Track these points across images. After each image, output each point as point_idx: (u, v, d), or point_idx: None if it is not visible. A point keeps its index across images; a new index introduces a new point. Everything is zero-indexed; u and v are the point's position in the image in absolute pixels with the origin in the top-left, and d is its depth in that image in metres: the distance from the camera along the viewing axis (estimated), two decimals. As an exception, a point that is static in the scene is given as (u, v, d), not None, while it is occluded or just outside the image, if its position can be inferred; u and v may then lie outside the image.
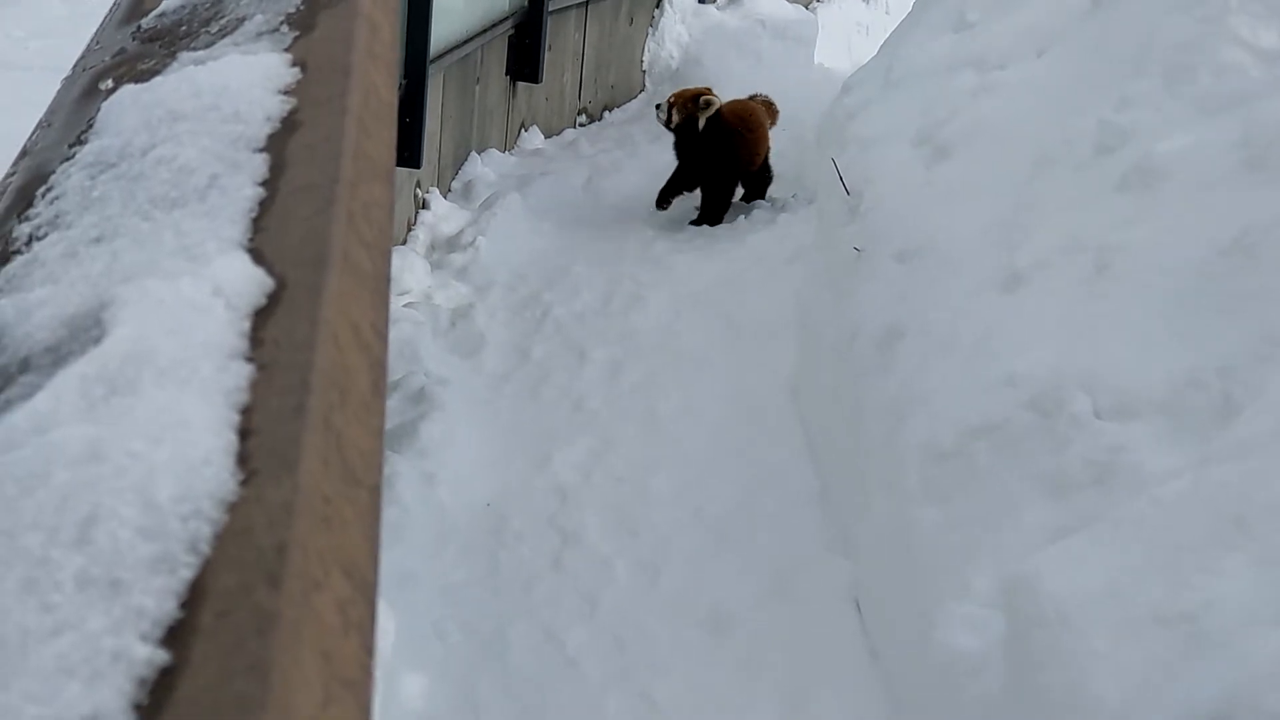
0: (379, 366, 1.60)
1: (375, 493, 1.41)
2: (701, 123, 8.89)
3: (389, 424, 4.88)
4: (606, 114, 11.19)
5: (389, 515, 4.79)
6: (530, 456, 6.01)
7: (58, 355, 1.54)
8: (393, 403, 5.76)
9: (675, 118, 8.95)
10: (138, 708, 1.08)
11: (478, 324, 6.84)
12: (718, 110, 8.96)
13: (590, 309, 7.01)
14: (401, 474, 5.66)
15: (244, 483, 1.28)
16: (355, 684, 1.18)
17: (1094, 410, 4.44)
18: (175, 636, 1.14)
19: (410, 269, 7.19)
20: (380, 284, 1.75)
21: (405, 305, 6.76)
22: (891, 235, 5.64)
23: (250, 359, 1.46)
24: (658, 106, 9.16)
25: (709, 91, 9.11)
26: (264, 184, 1.83)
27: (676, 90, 9.44)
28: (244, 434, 1.35)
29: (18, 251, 1.84)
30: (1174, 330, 4.41)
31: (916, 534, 4.66)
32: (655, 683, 4.91)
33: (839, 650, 4.97)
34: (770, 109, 9.67)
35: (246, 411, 1.38)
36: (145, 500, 1.25)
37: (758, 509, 5.68)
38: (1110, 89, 5.36)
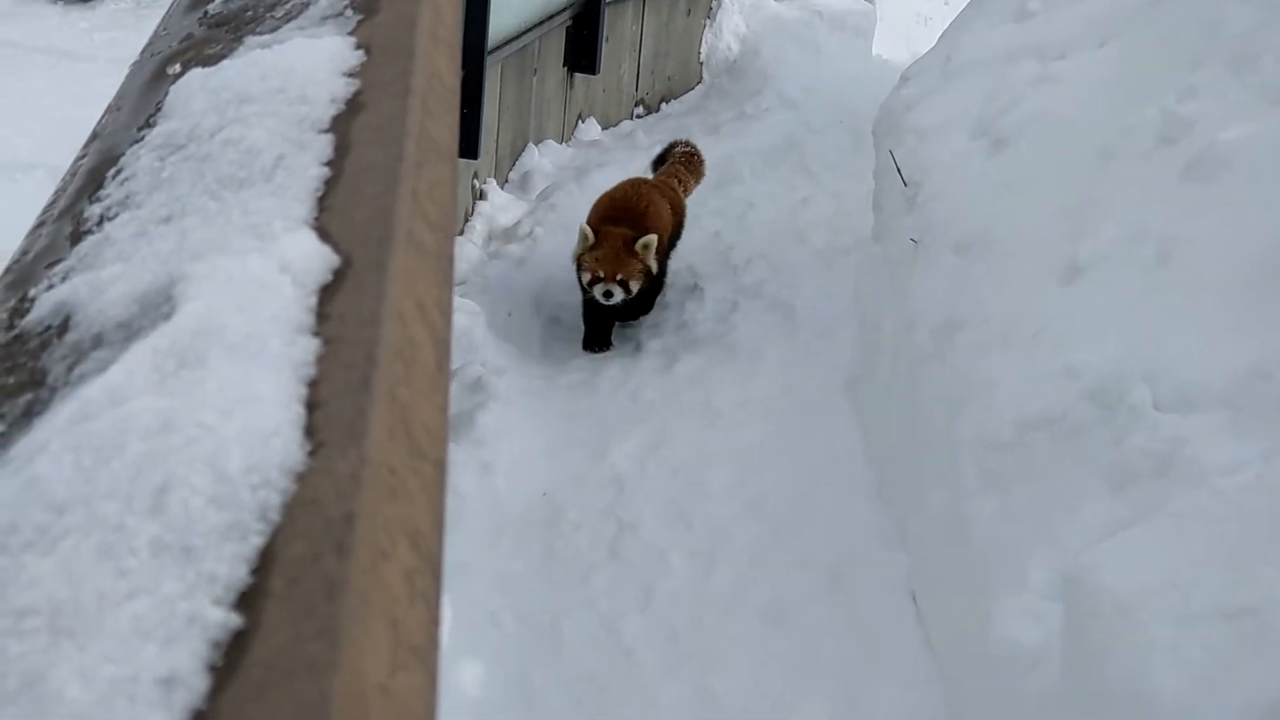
0: (443, 344, 1.62)
1: (440, 467, 1.42)
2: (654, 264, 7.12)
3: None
4: (664, 105, 11.19)
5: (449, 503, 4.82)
6: (586, 447, 6.02)
7: (129, 331, 1.56)
8: (450, 392, 5.79)
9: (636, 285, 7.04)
10: (212, 669, 1.09)
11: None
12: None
13: (648, 300, 7.04)
14: (458, 463, 5.69)
15: (312, 454, 1.30)
16: (422, 652, 1.19)
17: (1154, 402, 4.42)
18: (247, 601, 1.15)
19: (467, 259, 7.22)
20: (444, 263, 1.76)
21: (462, 295, 6.79)
22: (949, 226, 5.62)
23: (317, 334, 1.48)
24: (607, 290, 7.00)
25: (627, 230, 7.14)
26: (329, 164, 1.85)
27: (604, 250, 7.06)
28: (311, 407, 1.36)
29: (89, 231, 1.87)
30: (1237, 322, 4.37)
31: (973, 526, 4.65)
32: (710, 674, 4.91)
33: (894, 643, 4.96)
34: (690, 165, 8.20)
35: (314, 385, 1.40)
36: (216, 470, 1.27)
37: (813, 502, 5.68)
38: (1173, 78, 5.32)
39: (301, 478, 1.27)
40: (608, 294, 6.91)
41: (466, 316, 6.45)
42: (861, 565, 5.29)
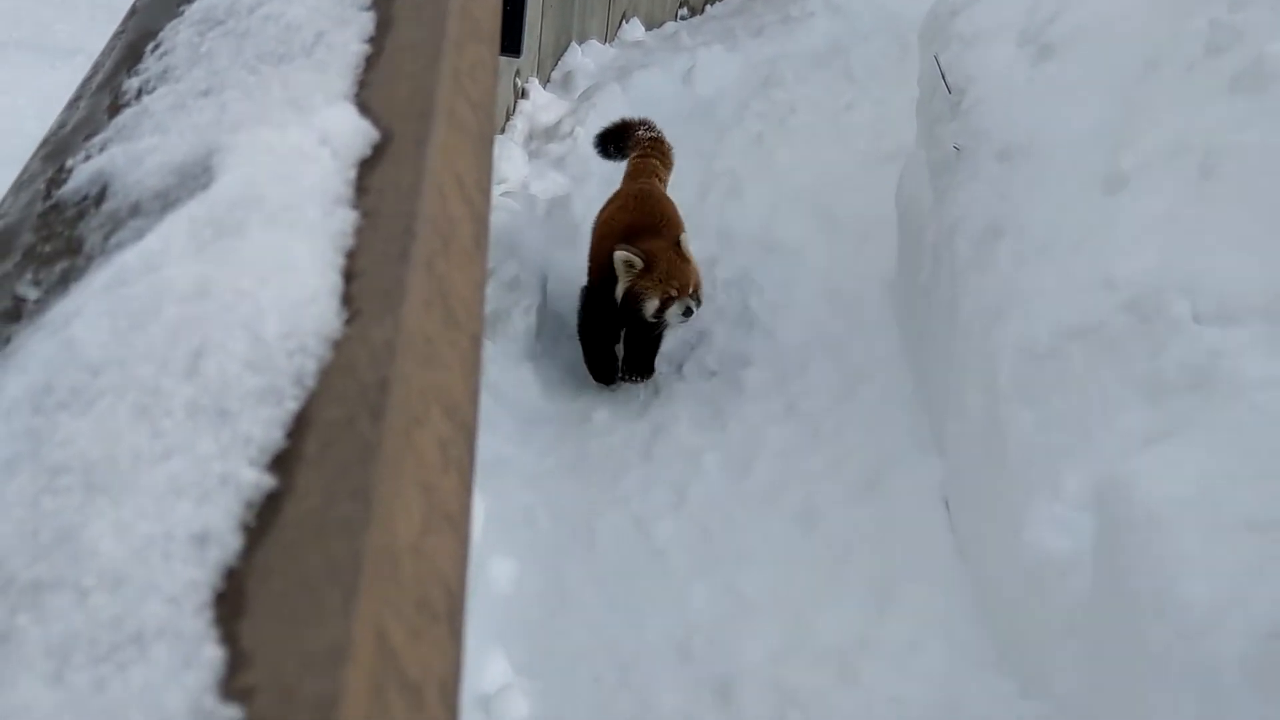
0: (481, 221, 1.61)
1: (476, 340, 1.42)
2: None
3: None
4: (708, 7, 11.08)
5: (481, 402, 4.84)
6: (621, 349, 6.03)
7: (166, 200, 1.56)
8: (487, 290, 5.79)
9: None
10: (246, 528, 1.10)
11: (574, 214, 6.84)
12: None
13: (686, 202, 6.98)
14: (493, 359, 5.71)
15: (348, 322, 1.30)
16: (454, 519, 1.20)
17: (1193, 314, 4.39)
18: (281, 463, 1.16)
19: (508, 158, 7.20)
20: (484, 142, 1.76)
21: (503, 194, 6.78)
22: (993, 134, 5.57)
23: (356, 206, 1.48)
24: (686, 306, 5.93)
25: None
26: (370, 41, 1.84)
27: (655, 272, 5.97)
28: (349, 276, 1.37)
29: (127, 104, 1.87)
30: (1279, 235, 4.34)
31: (1009, 434, 4.65)
32: (742, 575, 4.93)
33: (927, 548, 4.97)
34: (661, 153, 6.88)
35: (352, 255, 1.40)
36: (253, 335, 1.27)
37: (850, 405, 5.68)
38: (1223, -12, 5.25)
39: (337, 345, 1.28)
40: (688, 311, 5.88)
41: (506, 215, 6.43)
42: (897, 470, 5.30)
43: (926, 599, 4.75)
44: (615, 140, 6.98)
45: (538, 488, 5.40)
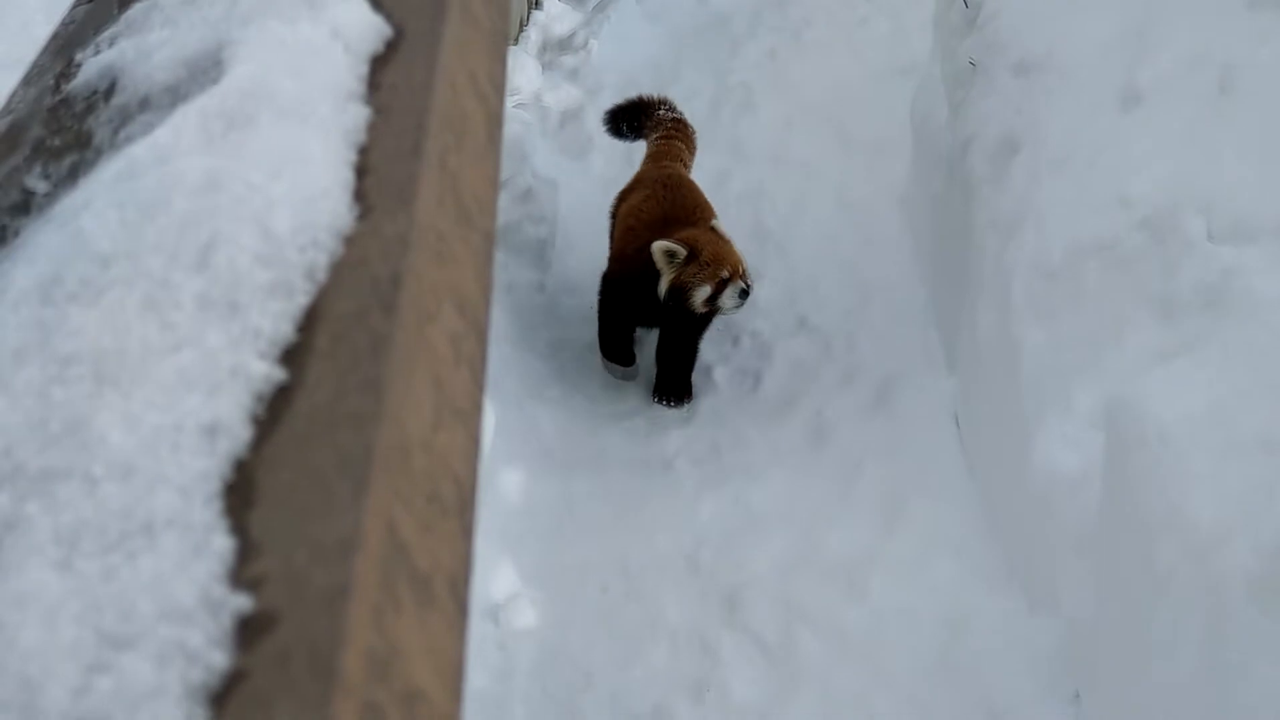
0: (495, 119, 1.60)
1: (488, 237, 1.41)
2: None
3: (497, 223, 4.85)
4: (722, -79, 10.97)
5: (494, 315, 4.82)
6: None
7: (176, 94, 1.54)
8: (500, 202, 5.76)
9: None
10: (256, 420, 1.10)
11: (587, 126, 6.81)
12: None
13: (699, 115, 6.94)
14: (507, 268, 5.69)
15: (360, 217, 1.29)
16: (465, 414, 1.19)
17: (1208, 233, 4.36)
18: (292, 357, 1.15)
19: (521, 69, 7.15)
20: (498, 40, 1.74)
21: (515, 105, 6.73)
22: (1009, 48, 5.52)
23: (368, 102, 1.46)
24: (742, 288, 5.38)
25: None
26: (383, -64, 1.81)
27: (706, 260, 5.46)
28: (361, 172, 1.35)
29: (138, -1, 1.84)
30: (1296, 153, 4.31)
31: (1020, 351, 4.63)
32: (751, 488, 4.95)
33: (937, 464, 4.98)
34: (684, 135, 6.32)
35: (364, 151, 1.39)
36: (263, 229, 1.26)
37: (862, 320, 5.67)
38: (1246, -100, 5.18)
39: (349, 240, 1.27)
40: (744, 292, 5.34)
41: (519, 126, 6.40)
42: (907, 386, 5.29)
43: (935, 515, 4.76)
44: (629, 119, 6.40)
45: (543, 396, 5.40)
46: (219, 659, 0.94)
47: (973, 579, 4.51)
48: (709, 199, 5.73)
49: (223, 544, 1.00)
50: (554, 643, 4.46)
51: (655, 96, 6.37)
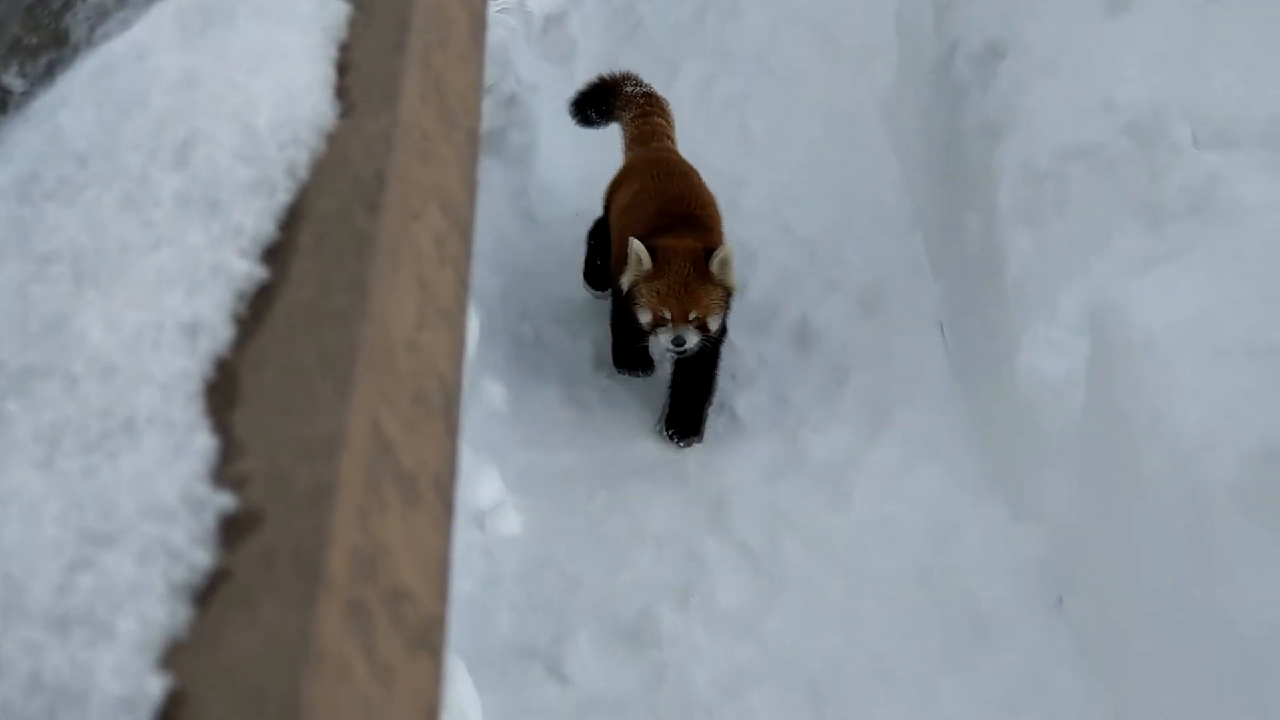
0: (478, 18, 1.58)
1: (473, 136, 1.39)
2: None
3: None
4: None
5: (482, 226, 4.76)
6: (618, 166, 5.96)
7: (154, -9, 1.52)
8: (482, 107, 5.69)
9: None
10: (237, 318, 1.08)
11: (570, 31, 6.73)
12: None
13: (684, 22, 6.86)
14: (490, 181, 5.65)
15: (343, 115, 1.27)
16: (450, 314, 1.18)
17: (1193, 139, 4.35)
18: (274, 255, 1.14)
19: (504, -27, 7.07)
20: (481, -62, 1.71)
21: (499, 10, 6.66)
22: (997, -48, 5.47)
23: (349, -2, 1.44)
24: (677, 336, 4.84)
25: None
26: None
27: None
28: (343, 69, 1.33)
29: (113, -104, 1.81)
30: (1282, 60, 4.29)
31: (1006, 257, 4.62)
32: (736, 396, 4.95)
33: (922, 371, 4.98)
34: (662, 109, 5.82)
35: (345, 48, 1.36)
36: (243, 126, 1.24)
37: (847, 227, 5.65)
38: None
39: (331, 138, 1.25)
40: (679, 341, 4.81)
41: (503, 31, 6.33)
42: (892, 293, 5.28)
43: (920, 422, 4.77)
44: (596, 102, 5.88)
45: (525, 305, 5.38)
46: (202, 557, 0.93)
47: (957, 486, 4.53)
48: (695, 108, 5.68)
49: (205, 443, 0.99)
50: (539, 550, 4.47)
51: (618, 74, 5.87)
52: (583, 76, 6.22)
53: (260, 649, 0.88)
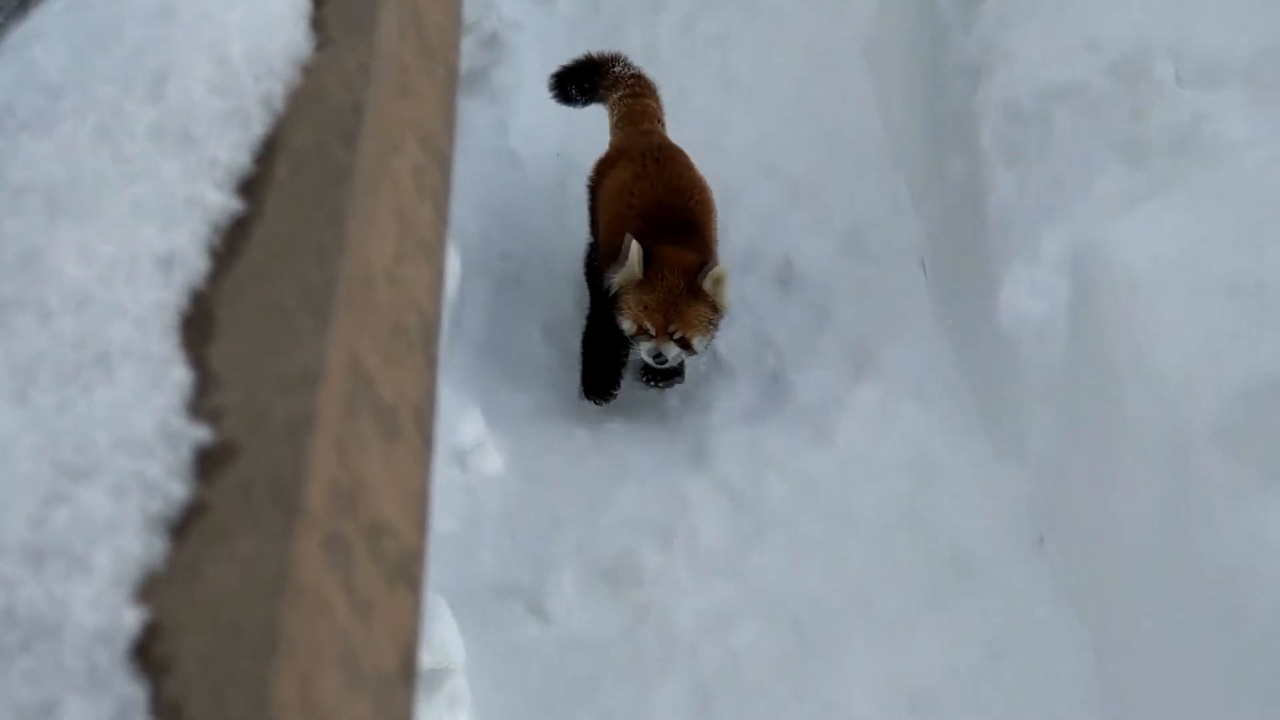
0: (457, -50, 1.56)
1: (451, 70, 1.38)
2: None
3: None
4: None
5: (461, 164, 4.73)
6: (600, 108, 5.94)
7: (128, -78, 1.50)
8: (464, 46, 5.65)
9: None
10: (213, 251, 1.07)
11: (553, -31, 6.69)
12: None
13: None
14: (471, 119, 5.62)
15: (319, 47, 1.26)
16: (429, 247, 1.17)
17: (1176, 77, 4.34)
18: (250, 188, 1.13)
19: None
20: None
21: (478, -51, 6.61)
22: (980, -113, 5.43)
23: (325, -71, 1.42)
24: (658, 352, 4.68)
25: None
26: None
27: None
28: (319, 0, 1.32)
29: None
30: (1265, -2, 4.28)
31: (988, 197, 4.62)
32: (720, 334, 4.92)
33: (904, 310, 4.98)
34: (652, 93, 5.55)
35: (322, -21, 1.35)
36: (218, 57, 1.23)
37: (830, 167, 5.63)
38: None
39: (308, 70, 1.23)
40: (660, 357, 4.66)
41: (482, -31, 6.29)
42: (875, 232, 5.27)
43: (902, 361, 4.77)
44: (579, 80, 5.64)
45: (517, 242, 5.36)
46: (178, 490, 0.92)
47: (939, 425, 4.54)
48: (677, 47, 5.62)
49: (181, 376, 0.98)
50: (520, 489, 4.47)
51: (607, 53, 5.61)
52: (566, 14, 6.19)
53: (238, 582, 0.87)
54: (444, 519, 4.16)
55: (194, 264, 1.07)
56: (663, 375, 4.82)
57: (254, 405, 0.95)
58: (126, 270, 1.05)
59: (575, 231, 5.25)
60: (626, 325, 4.67)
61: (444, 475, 4.17)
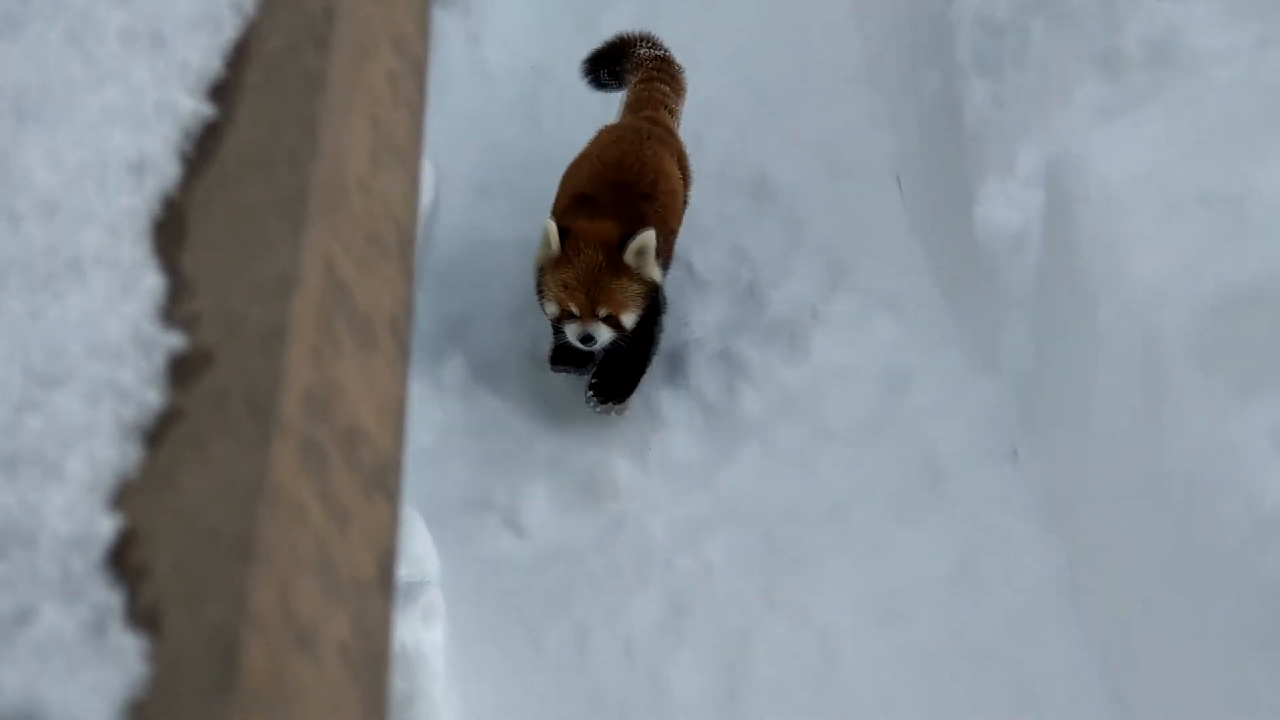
0: None
1: (425, -26, 1.36)
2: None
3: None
4: None
5: (433, 76, 4.69)
6: (575, 20, 5.87)
7: None
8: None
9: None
10: (185, 157, 1.06)
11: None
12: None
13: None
14: (445, 31, 5.57)
15: (290, -50, 1.24)
16: (404, 155, 1.16)
17: (1153, -11, 4.32)
18: (222, 94, 1.11)
19: None
20: None
21: None
22: None
23: None
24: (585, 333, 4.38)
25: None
26: None
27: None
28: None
29: None
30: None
31: (964, 110, 4.59)
32: (693, 251, 4.91)
33: (879, 223, 4.96)
34: (670, 76, 5.22)
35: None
36: (189, -40, 1.21)
37: (805, 81, 5.59)
38: None
39: (278, -27, 1.22)
40: (587, 339, 4.37)
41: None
42: (850, 145, 5.24)
43: (877, 274, 4.76)
44: (609, 63, 5.31)
45: (492, 159, 5.33)
46: (152, 397, 0.91)
47: (913, 338, 4.54)
48: None
49: (153, 282, 0.97)
50: (493, 404, 4.47)
51: (634, 33, 5.28)
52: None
53: (213, 489, 0.87)
54: (420, 433, 4.15)
55: (165, 170, 1.05)
56: (604, 395, 4.48)
57: (228, 312, 0.94)
58: (97, 176, 1.04)
59: (549, 144, 5.21)
60: (550, 309, 4.41)
61: (417, 389, 4.16)
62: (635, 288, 4.35)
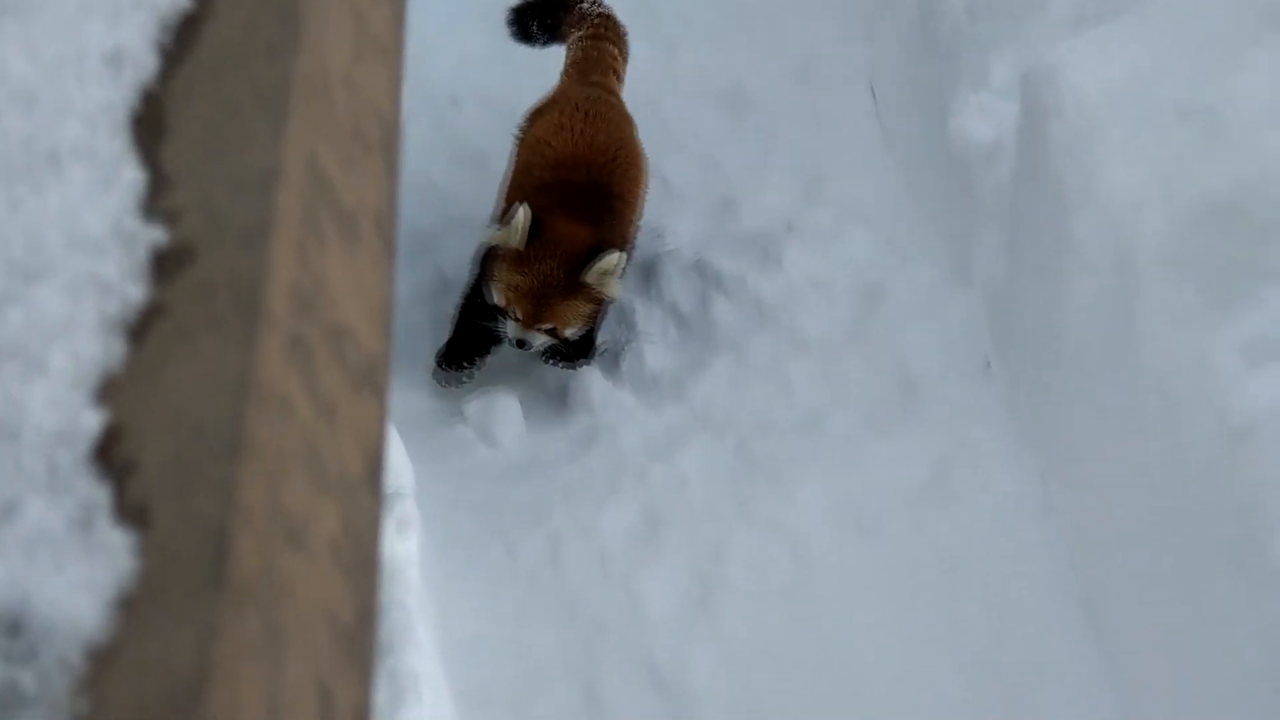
0: None
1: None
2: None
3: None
4: None
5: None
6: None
7: None
8: None
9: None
10: (163, 49, 1.04)
11: None
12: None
13: None
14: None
15: None
16: (387, 49, 1.14)
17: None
18: (200, -16, 1.09)
19: None
20: None
21: None
22: None
23: None
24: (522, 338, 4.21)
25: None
26: None
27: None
28: None
29: None
30: None
31: (938, 20, 4.56)
32: (666, 161, 4.85)
33: (853, 135, 4.94)
34: (616, 36, 4.83)
35: None
36: None
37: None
38: None
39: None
40: (523, 344, 4.21)
41: None
42: (825, 56, 5.20)
43: (851, 185, 4.74)
44: (541, 14, 4.93)
45: (464, 72, 5.27)
46: (135, 292, 0.90)
47: (887, 249, 4.53)
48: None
49: (134, 176, 0.95)
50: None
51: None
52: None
53: (199, 384, 0.86)
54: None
55: (143, 62, 1.03)
56: (564, 357, 4.35)
57: (210, 206, 0.93)
58: (74, 68, 1.02)
59: (519, 60, 5.15)
60: (495, 299, 4.17)
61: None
62: (586, 307, 4.18)
